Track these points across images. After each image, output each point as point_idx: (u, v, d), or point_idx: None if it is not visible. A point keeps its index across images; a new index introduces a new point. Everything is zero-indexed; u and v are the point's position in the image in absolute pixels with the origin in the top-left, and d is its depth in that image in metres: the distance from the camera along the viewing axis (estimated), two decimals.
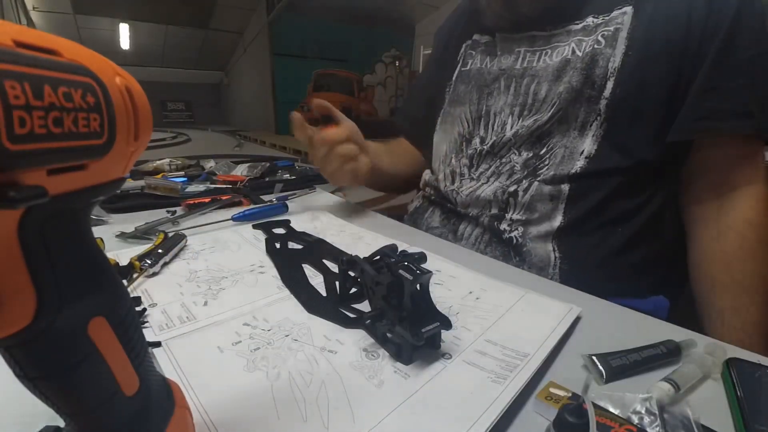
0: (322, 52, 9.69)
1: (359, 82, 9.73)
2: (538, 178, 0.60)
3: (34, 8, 8.45)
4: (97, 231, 0.57)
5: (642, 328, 0.38)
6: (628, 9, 0.58)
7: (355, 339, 0.34)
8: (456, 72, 0.77)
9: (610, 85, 0.56)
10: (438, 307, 0.38)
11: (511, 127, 0.64)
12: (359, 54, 9.20)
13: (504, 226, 0.61)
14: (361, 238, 0.58)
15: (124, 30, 10.49)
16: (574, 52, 0.60)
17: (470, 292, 0.42)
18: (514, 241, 0.59)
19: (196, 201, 0.75)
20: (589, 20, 0.61)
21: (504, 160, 0.64)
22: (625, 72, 0.56)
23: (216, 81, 13.59)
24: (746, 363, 0.31)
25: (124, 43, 11.05)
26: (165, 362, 0.29)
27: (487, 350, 0.33)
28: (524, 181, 0.60)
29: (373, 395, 0.28)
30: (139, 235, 0.56)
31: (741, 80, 0.52)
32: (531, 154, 0.61)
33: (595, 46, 0.58)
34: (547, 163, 0.60)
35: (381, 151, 0.83)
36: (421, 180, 0.81)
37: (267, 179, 1.00)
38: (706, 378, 0.31)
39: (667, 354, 0.33)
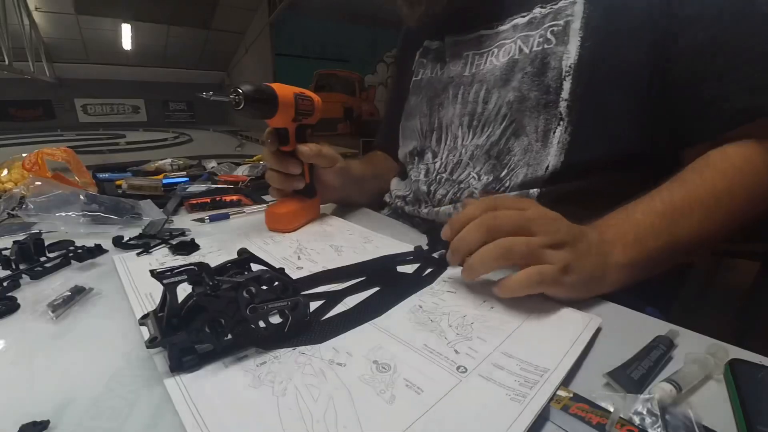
0: (323, 52, 9.69)
1: (361, 82, 9.72)
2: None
3: (36, 9, 8.47)
4: (95, 238, 0.57)
5: (643, 329, 0.38)
6: None
7: (365, 350, 0.33)
8: (411, 83, 0.74)
9: (567, 85, 0.51)
10: (451, 316, 0.38)
11: (463, 142, 0.61)
12: (361, 54, 9.20)
13: None
14: (369, 240, 0.58)
15: (126, 30, 10.50)
16: (521, 50, 0.55)
17: (484, 301, 0.40)
18: None
19: (198, 201, 0.75)
20: (536, 11, 0.56)
21: (462, 185, 0.60)
22: (584, 66, 0.50)
23: (218, 81, 13.58)
24: (749, 364, 0.31)
25: (126, 43, 11.06)
26: (172, 386, 0.28)
27: (504, 364, 0.31)
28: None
29: (383, 411, 0.26)
30: (135, 243, 0.55)
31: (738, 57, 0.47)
32: (491, 178, 0.57)
33: (545, 46, 0.53)
34: (508, 185, 0.55)
35: (355, 162, 0.78)
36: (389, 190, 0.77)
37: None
38: (708, 379, 0.31)
39: (666, 350, 0.33)
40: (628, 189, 0.49)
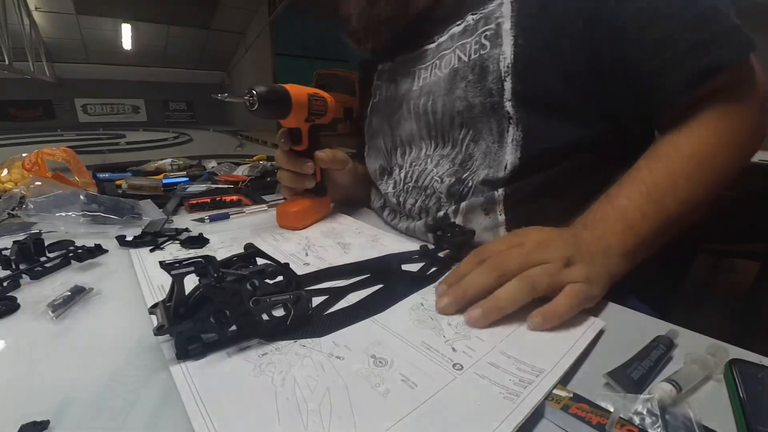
0: (323, 51, 9.70)
1: None
2: (465, 200, 0.56)
3: (36, 9, 8.48)
4: (95, 238, 0.57)
5: (643, 329, 0.38)
6: None
7: (364, 345, 0.33)
8: (370, 105, 0.76)
9: (508, 85, 0.51)
10: (451, 315, 0.38)
11: (426, 152, 0.63)
12: (361, 54, 9.20)
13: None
14: (377, 239, 0.58)
15: (126, 30, 10.51)
16: (460, 59, 0.57)
17: None
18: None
19: (199, 201, 0.75)
20: (469, 18, 0.57)
21: (428, 191, 0.60)
22: (521, 64, 0.51)
23: (218, 81, 13.60)
24: (749, 364, 0.31)
25: (126, 43, 11.08)
26: (177, 373, 0.29)
27: (500, 363, 0.31)
28: (453, 206, 0.57)
29: (377, 404, 0.27)
30: (139, 240, 0.55)
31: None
32: (453, 180, 0.57)
33: (481, 52, 0.54)
34: (470, 185, 0.56)
35: (358, 163, 0.81)
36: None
37: (269, 179, 1.00)
38: (708, 379, 0.31)
39: (666, 350, 0.33)
40: (595, 174, 0.50)
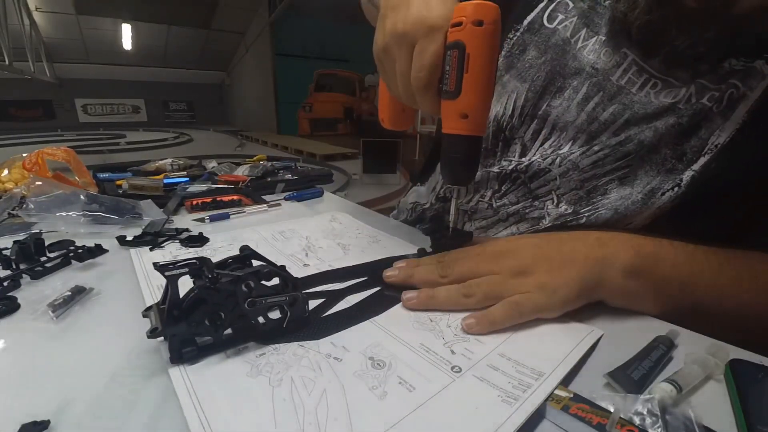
0: (323, 52, 9.71)
1: (361, 82, 9.74)
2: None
3: (36, 9, 8.48)
4: (95, 238, 0.57)
5: (643, 329, 0.38)
6: None
7: (363, 347, 0.33)
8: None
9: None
10: (451, 316, 0.38)
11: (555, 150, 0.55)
12: (361, 54, 9.21)
13: None
14: (377, 240, 0.58)
15: (126, 30, 10.51)
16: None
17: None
18: None
19: (200, 201, 0.75)
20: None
21: (536, 203, 0.53)
22: None
23: (218, 81, 13.60)
24: (749, 364, 0.31)
25: (126, 43, 11.07)
26: (176, 375, 0.29)
27: (499, 365, 0.31)
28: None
29: (374, 407, 0.27)
30: (139, 240, 0.55)
31: None
32: (570, 210, 0.51)
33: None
34: (584, 222, 0.50)
35: None
36: None
37: (269, 179, 1.00)
38: (709, 379, 0.31)
39: (667, 351, 0.33)
40: None
